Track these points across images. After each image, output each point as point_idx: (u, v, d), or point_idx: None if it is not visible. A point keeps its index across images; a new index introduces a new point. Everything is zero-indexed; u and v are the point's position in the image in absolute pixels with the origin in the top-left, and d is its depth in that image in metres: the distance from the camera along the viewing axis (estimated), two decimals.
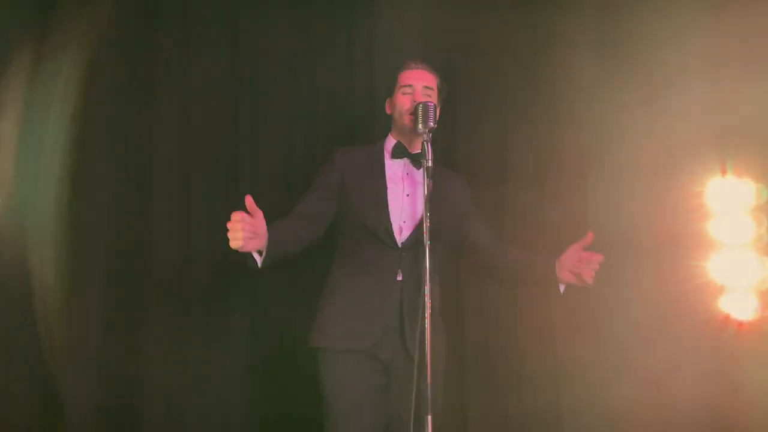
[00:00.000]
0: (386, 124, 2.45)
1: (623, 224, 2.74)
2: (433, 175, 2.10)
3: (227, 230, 1.91)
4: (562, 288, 2.21)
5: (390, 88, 2.39)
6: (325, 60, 3.06)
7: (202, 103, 3.04)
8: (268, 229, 2.01)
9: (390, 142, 2.38)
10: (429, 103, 2.15)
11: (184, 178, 3.00)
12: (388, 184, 2.31)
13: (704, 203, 2.71)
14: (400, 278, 2.23)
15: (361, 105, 3.02)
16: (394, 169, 2.33)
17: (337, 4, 3.08)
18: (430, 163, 2.08)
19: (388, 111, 2.41)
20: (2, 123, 2.90)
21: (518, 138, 2.92)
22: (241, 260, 2.05)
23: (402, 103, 2.29)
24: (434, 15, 2.96)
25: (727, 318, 2.66)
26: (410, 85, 2.30)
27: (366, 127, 2.95)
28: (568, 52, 2.84)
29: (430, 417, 1.98)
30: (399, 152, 2.33)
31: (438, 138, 2.23)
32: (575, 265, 2.15)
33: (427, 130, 2.13)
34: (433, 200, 2.09)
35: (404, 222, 2.27)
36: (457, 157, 2.97)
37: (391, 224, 2.25)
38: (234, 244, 1.90)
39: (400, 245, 2.25)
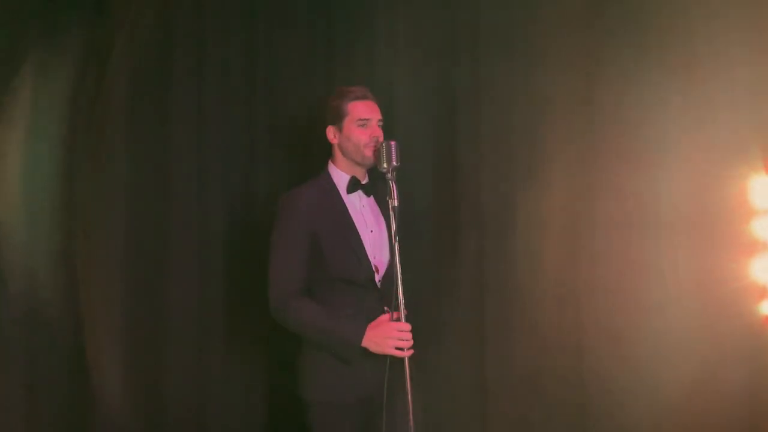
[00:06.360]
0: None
1: (661, 223, 2.59)
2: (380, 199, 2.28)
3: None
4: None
5: (334, 116, 2.31)
6: None
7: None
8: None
9: (340, 176, 2.34)
10: (392, 143, 2.18)
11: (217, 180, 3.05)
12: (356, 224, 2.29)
13: (747, 201, 2.57)
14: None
15: None
16: (352, 204, 2.33)
17: None
18: (396, 203, 2.15)
19: (332, 140, 2.33)
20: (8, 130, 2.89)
21: (553, 132, 2.76)
22: None
23: (359, 136, 2.28)
24: None
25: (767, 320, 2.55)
26: (367, 119, 2.28)
27: None
28: (605, 44, 2.63)
29: None
30: (353, 186, 2.33)
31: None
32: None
33: (391, 169, 2.15)
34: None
35: (375, 258, 2.28)
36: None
37: (372, 269, 2.25)
38: (402, 354, 2.07)
39: (379, 285, 2.24)
